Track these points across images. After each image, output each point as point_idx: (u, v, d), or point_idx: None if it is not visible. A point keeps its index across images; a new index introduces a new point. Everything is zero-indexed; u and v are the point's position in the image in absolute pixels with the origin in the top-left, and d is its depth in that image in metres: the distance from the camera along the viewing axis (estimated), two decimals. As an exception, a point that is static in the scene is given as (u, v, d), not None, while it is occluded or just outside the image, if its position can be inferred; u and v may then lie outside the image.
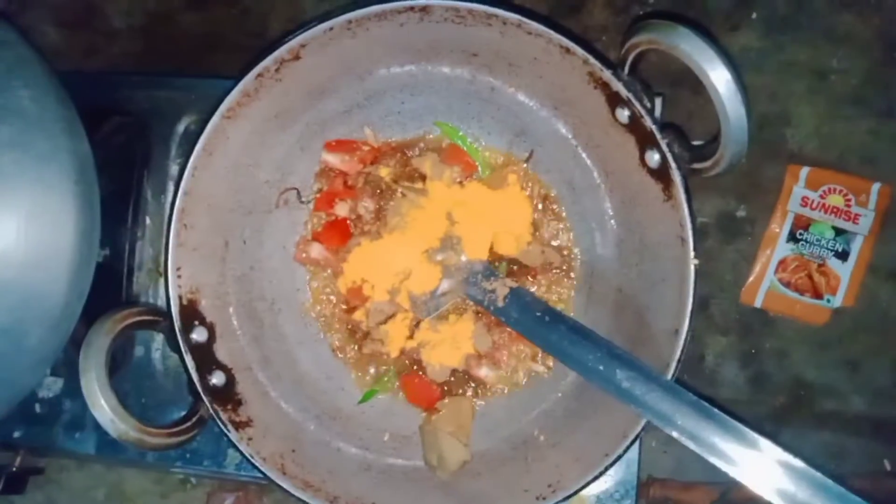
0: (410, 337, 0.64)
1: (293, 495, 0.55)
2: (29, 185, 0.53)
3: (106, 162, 0.61)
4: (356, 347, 0.65)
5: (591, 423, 0.58)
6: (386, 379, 0.65)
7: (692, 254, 0.52)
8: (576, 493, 0.53)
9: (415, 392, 0.64)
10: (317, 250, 0.65)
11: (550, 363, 0.64)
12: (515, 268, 0.64)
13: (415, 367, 0.64)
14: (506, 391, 0.65)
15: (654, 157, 0.53)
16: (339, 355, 0.66)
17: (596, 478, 0.53)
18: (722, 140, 0.47)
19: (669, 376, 0.52)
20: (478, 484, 0.59)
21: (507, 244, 0.63)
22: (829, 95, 0.80)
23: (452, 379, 0.64)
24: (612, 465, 0.53)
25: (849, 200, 0.78)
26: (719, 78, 0.45)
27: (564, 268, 0.65)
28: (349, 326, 0.65)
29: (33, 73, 0.57)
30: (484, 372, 0.64)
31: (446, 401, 0.63)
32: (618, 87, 0.52)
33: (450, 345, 0.63)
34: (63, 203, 0.55)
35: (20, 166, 0.53)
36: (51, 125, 0.56)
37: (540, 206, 0.65)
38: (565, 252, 0.65)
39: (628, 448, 0.53)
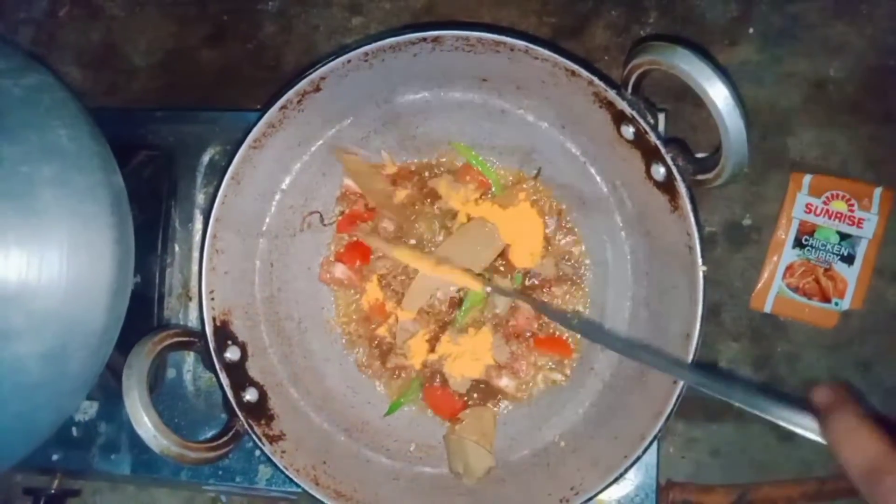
0: (432, 351, 0.66)
1: (325, 506, 0.58)
2: (69, 220, 0.56)
3: (135, 194, 0.64)
4: (380, 362, 0.68)
5: (610, 427, 0.60)
6: (410, 391, 0.67)
7: (700, 261, 0.54)
8: (597, 494, 0.55)
9: (438, 403, 0.66)
10: (340, 270, 0.68)
11: (568, 372, 0.66)
12: (531, 280, 0.67)
13: (437, 379, 0.66)
14: (526, 400, 0.67)
15: (659, 171, 0.55)
16: (364, 370, 0.68)
17: (616, 479, 0.55)
18: (723, 153, 0.50)
19: (683, 380, 0.54)
20: (502, 489, 0.61)
21: (522, 258, 0.66)
22: (828, 104, 0.82)
23: (473, 390, 0.67)
24: (630, 466, 0.55)
25: (852, 205, 0.80)
26: (718, 94, 0.48)
27: (578, 279, 0.67)
28: (373, 342, 0.68)
29: (70, 113, 0.61)
30: (504, 382, 0.66)
31: (468, 411, 0.66)
32: (622, 105, 0.55)
33: (470, 357, 0.66)
34: (100, 235, 0.58)
35: (61, 202, 0.56)
36: (87, 161, 0.59)
37: (552, 221, 0.68)
38: (578, 264, 0.67)
39: (646, 450, 0.55)
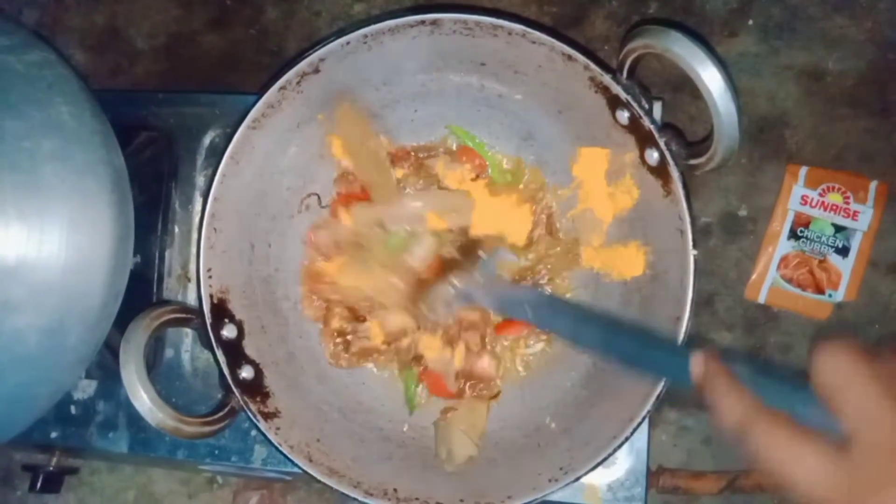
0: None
1: (319, 481, 0.58)
2: (69, 195, 0.57)
3: (136, 175, 0.65)
4: (343, 350, 0.68)
5: (600, 409, 0.61)
6: (411, 373, 0.68)
7: (691, 245, 0.55)
8: (585, 474, 0.56)
9: (436, 384, 0.67)
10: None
11: (545, 337, 0.67)
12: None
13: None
14: (518, 382, 0.67)
15: (653, 156, 0.56)
16: (332, 361, 0.68)
17: (605, 460, 0.56)
18: (715, 136, 0.50)
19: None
20: (494, 470, 0.62)
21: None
22: (826, 97, 0.83)
23: (463, 377, 0.67)
24: (619, 447, 0.56)
25: (847, 198, 0.80)
26: (710, 77, 0.48)
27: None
28: (334, 335, 0.68)
29: (72, 90, 0.61)
30: (485, 363, 0.66)
31: (464, 401, 0.66)
32: (617, 90, 0.55)
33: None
34: (100, 211, 0.59)
35: (61, 177, 0.57)
36: (88, 138, 0.60)
37: (545, 211, 0.68)
38: (573, 248, 0.68)
39: (635, 431, 0.56)
